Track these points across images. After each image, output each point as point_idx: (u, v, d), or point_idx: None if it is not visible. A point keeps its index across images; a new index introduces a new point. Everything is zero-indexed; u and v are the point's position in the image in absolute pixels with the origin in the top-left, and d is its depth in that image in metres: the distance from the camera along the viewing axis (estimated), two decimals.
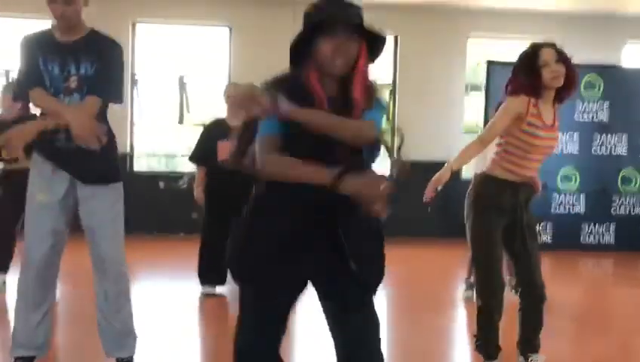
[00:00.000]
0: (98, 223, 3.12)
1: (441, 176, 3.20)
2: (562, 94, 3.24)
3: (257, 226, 2.11)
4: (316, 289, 2.20)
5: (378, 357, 2.16)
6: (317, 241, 2.10)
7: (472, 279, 5.09)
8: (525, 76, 3.17)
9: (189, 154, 5.43)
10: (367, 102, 2.11)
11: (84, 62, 3.03)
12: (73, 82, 3.02)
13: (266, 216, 2.10)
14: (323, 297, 2.19)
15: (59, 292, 3.39)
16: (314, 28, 2.03)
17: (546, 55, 3.14)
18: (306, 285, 2.18)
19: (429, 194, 3.18)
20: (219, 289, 5.16)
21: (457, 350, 4.27)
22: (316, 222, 2.07)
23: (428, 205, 3.18)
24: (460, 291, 5.33)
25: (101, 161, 3.07)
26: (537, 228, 3.51)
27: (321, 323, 2.23)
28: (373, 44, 2.10)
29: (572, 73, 3.18)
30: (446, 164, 3.24)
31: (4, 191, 4.86)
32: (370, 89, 2.15)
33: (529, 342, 3.35)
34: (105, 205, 3.13)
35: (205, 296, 5.12)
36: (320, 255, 2.12)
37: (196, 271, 5.19)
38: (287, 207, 2.07)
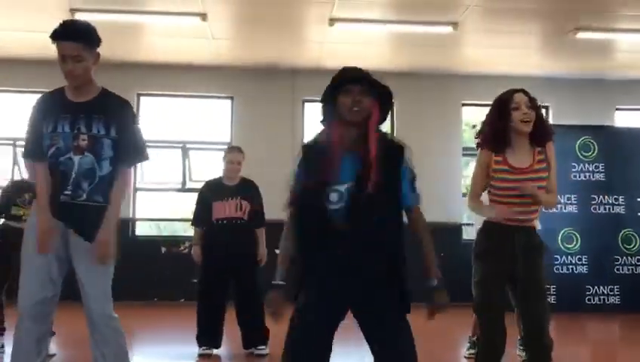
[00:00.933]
0: (89, 283, 3.07)
1: None
2: (537, 139, 3.25)
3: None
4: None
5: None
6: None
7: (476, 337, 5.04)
8: (493, 124, 3.23)
9: (191, 219, 5.48)
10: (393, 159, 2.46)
11: (95, 123, 3.04)
12: (83, 141, 3.01)
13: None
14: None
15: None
16: (335, 87, 2.47)
17: (518, 98, 3.21)
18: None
19: None
20: (215, 351, 5.11)
21: None
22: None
23: None
24: (464, 350, 5.23)
25: (102, 221, 3.05)
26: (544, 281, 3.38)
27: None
28: (384, 102, 2.51)
29: (542, 120, 3.26)
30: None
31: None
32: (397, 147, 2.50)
33: None
34: (97, 267, 3.06)
35: (200, 357, 5.04)
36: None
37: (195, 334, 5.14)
38: None
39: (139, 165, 3.12)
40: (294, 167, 2.53)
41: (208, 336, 5.11)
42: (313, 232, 2.43)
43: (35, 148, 3.09)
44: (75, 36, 2.99)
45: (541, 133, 3.24)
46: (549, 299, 3.40)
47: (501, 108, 3.23)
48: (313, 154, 2.48)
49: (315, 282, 2.44)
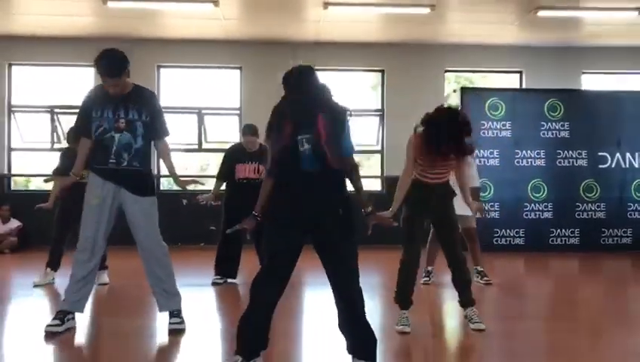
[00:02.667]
0: (137, 222, 4.10)
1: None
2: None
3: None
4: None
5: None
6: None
7: (430, 267, 6.12)
8: (432, 133, 4.06)
9: (215, 174, 6.35)
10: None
11: (131, 110, 4.04)
12: (122, 123, 4.02)
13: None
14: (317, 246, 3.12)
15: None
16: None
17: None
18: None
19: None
20: (230, 281, 6.03)
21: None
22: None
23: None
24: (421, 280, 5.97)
25: (141, 179, 4.11)
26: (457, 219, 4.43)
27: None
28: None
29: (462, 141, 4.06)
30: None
31: (64, 206, 5.84)
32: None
33: (464, 297, 4.29)
34: (143, 209, 4.10)
35: (213, 284, 5.95)
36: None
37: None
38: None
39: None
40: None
41: (224, 266, 6.01)
42: (288, 170, 3.07)
43: (83, 127, 4.14)
44: (115, 74, 3.97)
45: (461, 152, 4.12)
46: (459, 230, 4.43)
47: (436, 132, 4.02)
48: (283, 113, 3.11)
49: (280, 215, 3.09)
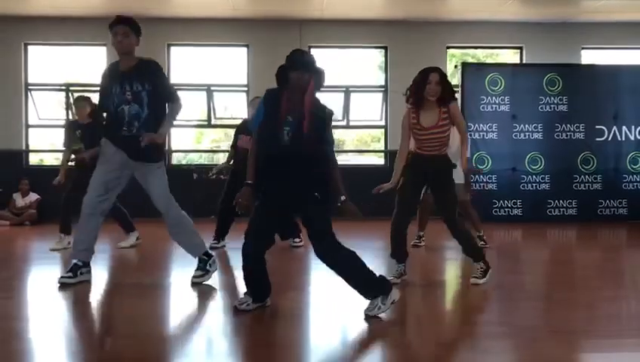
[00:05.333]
0: (151, 186, 4.39)
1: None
2: (442, 102, 4.34)
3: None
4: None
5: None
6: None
7: (421, 232, 6.41)
8: (414, 90, 4.35)
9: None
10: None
11: (135, 83, 4.29)
12: (128, 96, 4.29)
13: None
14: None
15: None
16: (287, 67, 3.49)
17: (431, 77, 4.28)
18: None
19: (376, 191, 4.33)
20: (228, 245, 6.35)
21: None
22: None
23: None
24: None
25: (151, 148, 4.29)
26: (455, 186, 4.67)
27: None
28: (319, 78, 3.51)
29: (447, 88, 4.31)
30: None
31: (77, 176, 6.04)
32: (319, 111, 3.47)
33: (469, 252, 4.56)
34: (153, 174, 4.38)
35: (211, 248, 6.09)
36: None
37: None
38: None
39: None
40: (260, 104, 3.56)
41: (224, 233, 6.36)
42: (271, 152, 3.49)
43: (104, 102, 4.44)
44: (124, 21, 4.31)
45: (444, 98, 4.32)
46: (454, 193, 4.59)
47: (419, 81, 4.32)
48: (272, 100, 3.51)
49: (267, 188, 3.54)
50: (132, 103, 4.28)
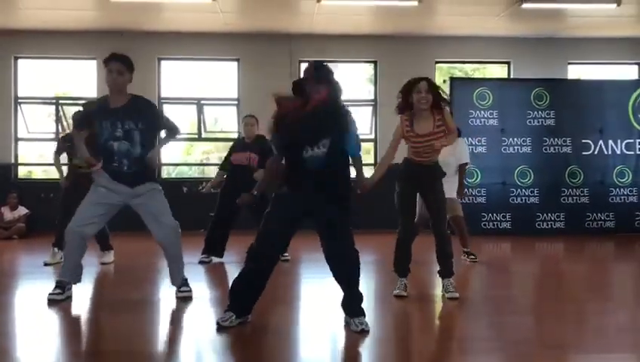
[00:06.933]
0: (154, 208, 4.32)
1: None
2: (435, 108, 4.33)
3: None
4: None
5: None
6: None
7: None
8: (403, 98, 4.34)
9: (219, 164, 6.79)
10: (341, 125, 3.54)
11: (127, 121, 4.23)
12: (119, 133, 4.22)
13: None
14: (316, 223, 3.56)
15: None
16: (303, 79, 3.60)
17: (420, 86, 4.28)
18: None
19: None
20: (215, 260, 6.29)
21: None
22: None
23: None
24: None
25: (146, 174, 4.32)
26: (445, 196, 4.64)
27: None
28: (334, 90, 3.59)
29: (437, 97, 4.30)
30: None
31: (67, 191, 5.98)
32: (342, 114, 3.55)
33: (443, 269, 4.56)
34: (154, 196, 4.34)
35: (200, 263, 6.18)
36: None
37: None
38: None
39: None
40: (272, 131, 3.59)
41: (212, 246, 6.30)
42: (293, 169, 3.54)
43: (84, 125, 4.48)
44: (120, 59, 4.27)
45: (437, 104, 4.32)
46: (443, 193, 4.57)
47: (408, 91, 4.32)
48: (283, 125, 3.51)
49: (286, 198, 3.57)
50: (122, 140, 4.22)
